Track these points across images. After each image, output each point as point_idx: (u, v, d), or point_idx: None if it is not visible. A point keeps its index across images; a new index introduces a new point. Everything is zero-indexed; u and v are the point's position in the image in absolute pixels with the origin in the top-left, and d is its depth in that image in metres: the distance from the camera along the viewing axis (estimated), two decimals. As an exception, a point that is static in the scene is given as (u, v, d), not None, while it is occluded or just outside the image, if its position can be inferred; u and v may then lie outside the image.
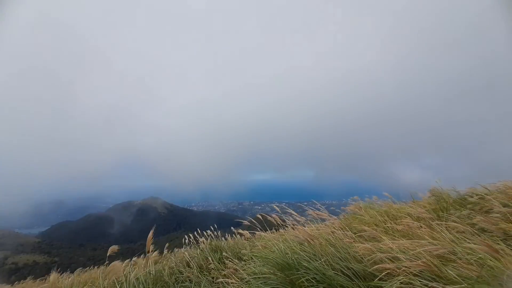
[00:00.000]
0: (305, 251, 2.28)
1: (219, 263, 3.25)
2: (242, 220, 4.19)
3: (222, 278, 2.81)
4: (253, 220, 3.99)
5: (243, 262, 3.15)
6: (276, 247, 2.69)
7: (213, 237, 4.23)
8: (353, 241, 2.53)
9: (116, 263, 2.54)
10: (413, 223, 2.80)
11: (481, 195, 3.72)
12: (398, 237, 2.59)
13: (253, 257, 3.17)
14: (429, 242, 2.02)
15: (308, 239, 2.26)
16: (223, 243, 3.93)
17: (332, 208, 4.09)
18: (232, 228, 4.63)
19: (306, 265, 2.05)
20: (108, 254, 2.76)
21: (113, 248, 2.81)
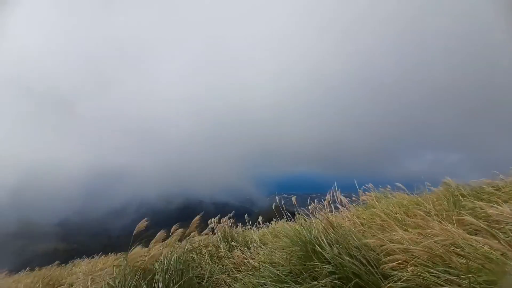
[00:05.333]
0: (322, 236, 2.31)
1: (229, 251, 3.32)
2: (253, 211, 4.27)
3: (232, 265, 2.88)
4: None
5: (251, 251, 3.21)
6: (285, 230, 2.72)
7: (228, 225, 4.27)
8: (365, 231, 2.53)
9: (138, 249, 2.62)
10: (426, 213, 2.76)
11: (496, 186, 3.62)
12: (410, 228, 2.57)
13: (261, 245, 3.23)
14: (439, 233, 2.01)
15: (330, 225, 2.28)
16: (233, 232, 3.99)
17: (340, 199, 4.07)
18: (246, 215, 4.70)
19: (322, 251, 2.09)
20: (134, 233, 2.84)
21: (141, 225, 2.88)
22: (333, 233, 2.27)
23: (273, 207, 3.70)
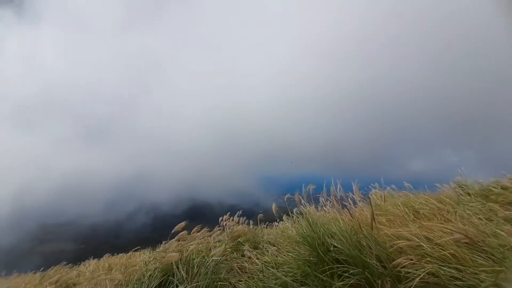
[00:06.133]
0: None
1: (236, 252, 3.31)
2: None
3: (236, 265, 2.86)
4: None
5: (257, 251, 3.19)
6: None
7: (235, 224, 4.27)
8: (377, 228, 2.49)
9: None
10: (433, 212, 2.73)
11: (504, 185, 3.56)
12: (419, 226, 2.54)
13: (267, 245, 3.21)
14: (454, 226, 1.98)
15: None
16: (240, 231, 3.99)
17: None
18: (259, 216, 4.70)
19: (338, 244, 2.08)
20: (173, 231, 2.92)
21: (181, 225, 2.94)
22: (350, 232, 2.19)
23: (275, 208, 3.67)
